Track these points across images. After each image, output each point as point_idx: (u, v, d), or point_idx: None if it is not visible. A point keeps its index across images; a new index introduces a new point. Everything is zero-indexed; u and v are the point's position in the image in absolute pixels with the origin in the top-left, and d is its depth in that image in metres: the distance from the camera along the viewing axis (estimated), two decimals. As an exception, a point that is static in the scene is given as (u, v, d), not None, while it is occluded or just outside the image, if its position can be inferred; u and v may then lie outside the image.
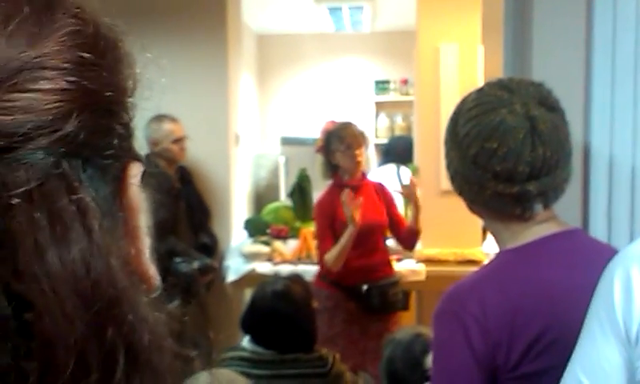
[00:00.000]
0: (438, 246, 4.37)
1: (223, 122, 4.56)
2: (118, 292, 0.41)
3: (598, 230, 1.48)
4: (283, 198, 5.83)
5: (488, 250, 4.23)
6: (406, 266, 4.21)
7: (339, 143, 3.52)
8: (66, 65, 0.41)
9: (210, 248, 4.30)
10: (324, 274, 3.53)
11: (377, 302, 3.47)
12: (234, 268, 4.30)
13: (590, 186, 1.50)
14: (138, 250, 0.47)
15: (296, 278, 2.45)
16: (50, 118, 0.40)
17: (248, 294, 3.78)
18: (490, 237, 4.49)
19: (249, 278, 4.19)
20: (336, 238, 3.44)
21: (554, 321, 1.23)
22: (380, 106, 7.38)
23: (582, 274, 1.25)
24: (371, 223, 3.52)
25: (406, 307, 3.90)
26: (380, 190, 3.68)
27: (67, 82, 0.41)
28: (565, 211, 1.38)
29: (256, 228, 4.70)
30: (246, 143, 5.42)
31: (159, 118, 4.13)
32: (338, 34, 7.11)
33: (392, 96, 7.34)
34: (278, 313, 2.27)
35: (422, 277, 4.16)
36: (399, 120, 7.29)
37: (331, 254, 3.41)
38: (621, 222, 1.49)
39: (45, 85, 0.40)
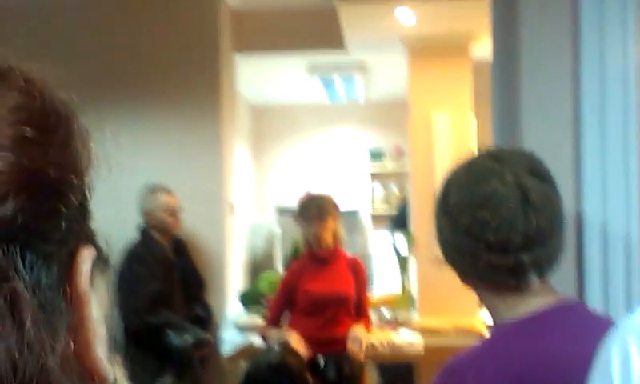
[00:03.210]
0: (434, 314, 4.32)
1: (217, 192, 4.57)
2: None
3: (593, 300, 1.46)
4: (280, 267, 5.80)
5: (486, 317, 4.18)
6: (403, 338, 4.15)
7: (301, 216, 3.66)
8: (3, 142, 0.38)
9: (205, 320, 4.24)
10: None
11: (333, 374, 3.45)
12: (230, 340, 4.23)
13: (584, 256, 1.49)
14: (87, 343, 0.42)
15: (289, 349, 2.41)
16: None
17: (244, 367, 3.71)
18: (487, 305, 4.46)
19: (244, 351, 4.12)
20: (297, 306, 3.56)
21: None
22: (375, 176, 7.43)
23: (582, 346, 1.22)
24: (334, 295, 3.56)
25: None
26: (353, 265, 3.73)
27: (3, 161, 0.37)
28: (560, 281, 1.37)
29: (251, 299, 4.65)
30: (241, 213, 5.42)
31: (153, 189, 4.14)
32: (332, 104, 7.21)
33: (387, 166, 7.39)
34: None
35: (420, 348, 4.09)
36: (394, 189, 7.32)
37: (269, 334, 3.55)
38: (616, 290, 1.47)
39: None
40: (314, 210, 3.60)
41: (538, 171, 1.31)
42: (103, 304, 0.45)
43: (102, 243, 0.47)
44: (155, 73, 4.53)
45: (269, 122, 7.46)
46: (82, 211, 0.44)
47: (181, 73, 4.53)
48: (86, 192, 0.44)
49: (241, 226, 5.59)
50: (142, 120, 4.57)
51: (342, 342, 3.53)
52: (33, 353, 0.36)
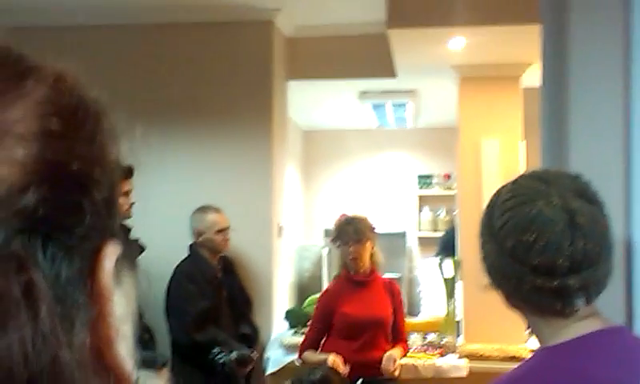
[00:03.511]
0: (481, 340, 4.28)
1: (267, 213, 4.63)
2: None
3: (642, 327, 1.44)
4: (325, 290, 5.80)
5: (533, 347, 4.12)
6: (448, 362, 4.12)
7: (337, 239, 3.66)
8: (28, 134, 0.37)
9: (251, 338, 4.28)
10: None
11: None
12: (274, 359, 4.26)
13: (633, 281, 1.47)
14: (108, 340, 0.40)
15: (332, 368, 2.43)
16: (4, 190, 0.36)
17: (287, 385, 3.74)
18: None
19: (289, 370, 4.14)
20: (333, 329, 3.57)
21: None
22: (423, 199, 7.41)
23: (629, 373, 1.21)
24: (371, 319, 3.54)
25: None
26: (390, 288, 3.71)
27: (26, 152, 0.37)
28: (607, 307, 1.35)
29: (297, 319, 4.68)
30: (289, 234, 5.46)
31: (203, 209, 4.22)
32: (381, 129, 7.23)
33: (435, 190, 7.37)
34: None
35: (464, 373, 4.06)
36: (442, 214, 7.29)
37: (307, 357, 3.58)
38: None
39: (1, 153, 0.36)
40: (352, 233, 3.60)
41: (586, 193, 1.29)
42: (129, 302, 0.45)
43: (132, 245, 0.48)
44: (211, 97, 4.65)
45: (319, 147, 7.53)
46: (108, 207, 0.42)
47: (235, 98, 4.63)
48: (113, 189, 0.43)
49: (289, 248, 5.63)
50: (196, 143, 4.69)
51: (379, 366, 3.52)
52: (47, 345, 0.35)
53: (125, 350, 0.42)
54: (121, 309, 0.42)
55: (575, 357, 1.26)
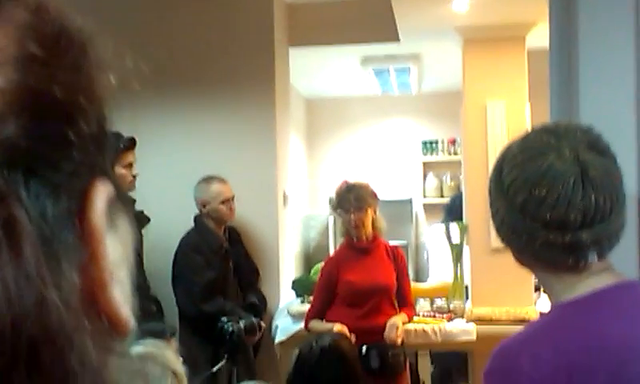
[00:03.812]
0: (488, 304, 4.27)
1: (272, 182, 4.61)
2: (52, 334, 0.33)
3: (656, 281, 1.42)
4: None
5: (542, 309, 4.11)
6: (457, 326, 4.12)
7: (338, 206, 3.63)
8: (7, 59, 0.35)
9: (259, 308, 4.29)
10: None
11: (375, 363, 3.43)
12: (283, 328, 4.27)
13: (646, 235, 1.45)
14: (101, 283, 0.38)
15: (342, 334, 2.42)
16: None
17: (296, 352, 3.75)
18: (543, 296, 4.38)
19: (297, 338, 4.15)
20: (338, 297, 3.56)
21: (617, 379, 1.16)
22: (428, 165, 7.38)
23: (637, 326, 1.19)
24: (374, 285, 3.53)
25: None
26: (393, 254, 3.69)
27: (5, 78, 0.34)
28: (620, 262, 1.33)
29: (304, 288, 4.67)
30: (294, 204, 5.45)
31: (208, 179, 4.20)
32: (384, 96, 7.18)
33: (440, 156, 7.34)
34: (327, 368, 2.24)
35: (473, 337, 4.06)
36: (447, 180, 7.26)
37: (313, 326, 3.59)
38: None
39: None
40: (353, 200, 3.56)
41: (597, 145, 1.26)
42: (125, 246, 0.41)
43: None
44: (211, 65, 4.60)
45: (322, 115, 7.48)
46: (98, 142, 0.39)
47: (236, 65, 4.58)
48: (103, 123, 0.40)
49: (295, 218, 5.62)
50: (198, 112, 4.65)
51: (384, 332, 3.52)
52: (32, 286, 0.33)
53: (121, 295, 0.39)
54: (115, 253, 0.39)
55: (588, 313, 1.24)
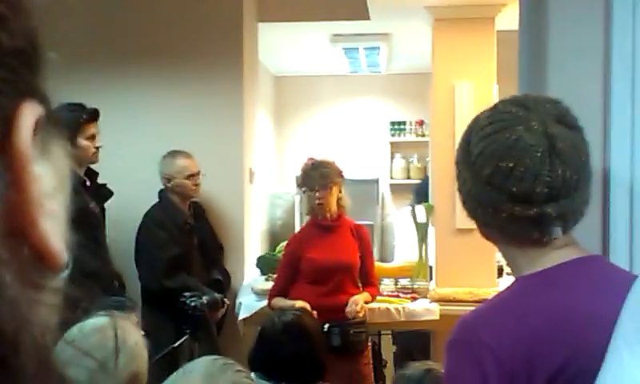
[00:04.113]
0: (452, 285, 4.30)
1: (238, 158, 4.56)
2: None
3: (618, 257, 1.42)
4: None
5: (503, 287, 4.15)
6: (420, 306, 4.14)
7: (303, 184, 3.62)
8: None
9: (223, 284, 4.25)
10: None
11: (337, 341, 3.43)
12: (246, 305, 4.25)
13: (610, 210, 1.45)
14: (30, 215, 0.34)
15: (305, 310, 2.41)
16: None
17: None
18: (506, 277, 4.42)
19: (261, 315, 4.13)
20: (301, 275, 3.55)
21: (578, 350, 1.16)
22: (395, 146, 7.40)
23: (605, 300, 1.19)
24: (338, 263, 3.53)
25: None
26: (357, 232, 3.68)
27: None
28: (584, 236, 1.33)
29: (268, 265, 4.65)
30: (261, 182, 5.41)
31: (173, 154, 4.14)
32: (353, 75, 7.16)
33: (407, 137, 7.36)
34: (289, 343, 2.22)
35: (436, 316, 4.08)
36: (415, 161, 7.29)
37: (276, 303, 3.56)
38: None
39: None
40: (318, 178, 3.54)
41: (566, 119, 1.25)
42: (59, 175, 0.38)
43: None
44: (179, 40, 4.52)
45: (290, 92, 7.44)
46: (26, 59, 0.36)
47: (204, 41, 4.51)
48: (34, 38, 0.36)
49: (261, 196, 5.59)
50: (164, 86, 4.57)
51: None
52: None
53: (52, 227, 0.35)
54: (47, 182, 0.36)
55: (551, 285, 1.25)
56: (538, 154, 1.22)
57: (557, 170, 1.22)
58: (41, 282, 0.35)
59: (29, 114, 0.35)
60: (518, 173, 1.23)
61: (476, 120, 1.34)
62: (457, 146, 1.39)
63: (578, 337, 1.17)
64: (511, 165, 1.23)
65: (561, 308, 1.21)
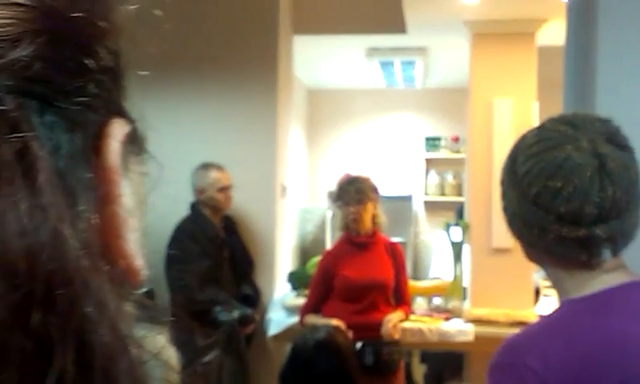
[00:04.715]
0: (487, 306, 4.20)
1: (270, 173, 4.54)
2: (68, 273, 0.30)
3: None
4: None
5: (541, 312, 4.04)
6: (454, 326, 4.05)
7: (339, 199, 3.58)
8: None
9: (253, 299, 4.22)
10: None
11: (370, 360, 3.37)
12: (276, 321, 4.20)
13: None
14: (115, 228, 0.36)
15: (338, 328, 2.35)
16: None
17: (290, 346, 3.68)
18: (543, 299, 4.31)
19: (291, 332, 4.08)
20: (334, 292, 3.51)
21: (628, 377, 1.11)
22: (430, 162, 7.31)
23: None
24: (372, 281, 3.48)
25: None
26: (392, 250, 3.63)
27: None
28: (634, 260, 1.26)
29: (299, 281, 4.61)
30: (293, 196, 5.38)
31: (206, 166, 4.13)
32: (389, 89, 7.10)
33: (443, 153, 7.27)
34: (321, 360, 2.16)
35: (471, 338, 3.99)
36: (449, 178, 7.19)
37: (309, 321, 3.50)
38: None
39: None
40: (353, 193, 3.50)
41: (616, 138, 1.21)
42: (137, 193, 0.39)
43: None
44: (214, 52, 4.53)
45: (324, 106, 7.41)
46: (115, 78, 0.37)
47: (239, 53, 4.51)
48: (119, 59, 0.38)
49: (292, 210, 5.55)
50: (198, 98, 4.58)
51: (379, 328, 3.46)
52: (46, 217, 0.30)
53: (134, 243, 0.37)
54: (129, 200, 0.37)
55: (600, 311, 1.20)
56: (588, 174, 1.18)
57: (606, 190, 1.18)
58: (126, 296, 0.36)
59: (118, 131, 0.37)
60: (567, 193, 1.19)
61: (522, 138, 1.30)
62: (498, 164, 1.34)
63: (628, 364, 1.12)
64: (559, 184, 1.20)
65: (611, 334, 1.16)
